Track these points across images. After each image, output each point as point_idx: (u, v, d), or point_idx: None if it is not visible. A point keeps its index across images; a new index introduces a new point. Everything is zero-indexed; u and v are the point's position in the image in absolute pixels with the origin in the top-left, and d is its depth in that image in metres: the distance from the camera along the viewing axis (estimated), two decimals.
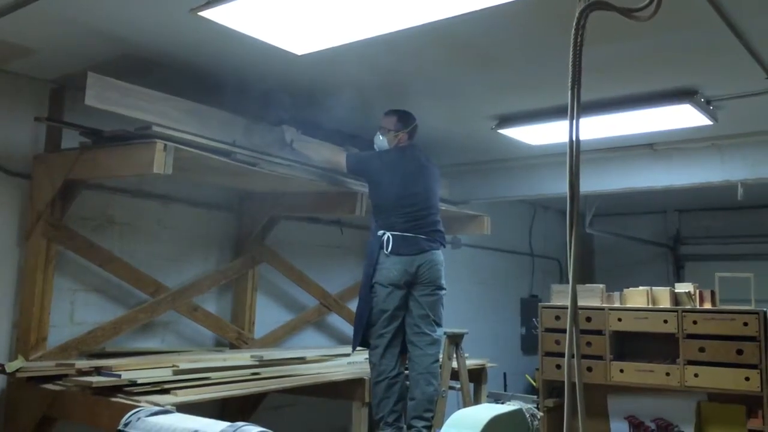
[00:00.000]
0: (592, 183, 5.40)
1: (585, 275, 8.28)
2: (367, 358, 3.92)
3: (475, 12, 2.68)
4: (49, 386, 3.21)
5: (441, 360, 3.87)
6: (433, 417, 3.67)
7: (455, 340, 4.00)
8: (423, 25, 2.82)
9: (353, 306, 5.48)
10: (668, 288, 4.96)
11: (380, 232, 3.82)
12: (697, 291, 4.88)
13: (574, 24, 1.61)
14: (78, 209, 3.82)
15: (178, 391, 3.06)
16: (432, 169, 4.02)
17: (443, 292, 3.84)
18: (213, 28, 2.93)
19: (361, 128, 4.79)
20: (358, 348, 4.02)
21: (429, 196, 3.90)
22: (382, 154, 4.00)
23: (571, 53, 1.61)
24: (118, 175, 3.53)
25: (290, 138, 3.96)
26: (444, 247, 3.93)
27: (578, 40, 1.62)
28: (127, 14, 2.93)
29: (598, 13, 1.64)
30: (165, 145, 3.04)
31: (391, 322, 3.75)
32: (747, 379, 4.43)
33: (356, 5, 2.68)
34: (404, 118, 4.03)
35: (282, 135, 3.96)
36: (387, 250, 3.75)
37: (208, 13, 2.78)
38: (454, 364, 4.04)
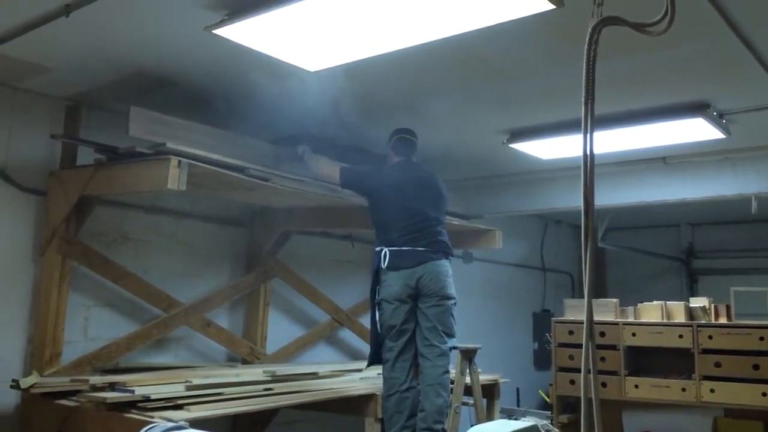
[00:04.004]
0: (605, 197, 5.38)
1: (597, 289, 8.23)
2: (379, 373, 3.91)
3: (487, 28, 2.69)
4: (64, 402, 3.22)
5: (454, 372, 3.85)
6: (443, 429, 3.64)
7: (468, 355, 3.97)
8: (436, 41, 2.84)
9: (365, 321, 5.50)
10: (683, 302, 4.93)
11: (378, 248, 3.83)
12: (712, 305, 4.85)
13: (587, 39, 1.61)
14: (92, 225, 3.85)
15: (191, 407, 3.06)
16: (433, 183, 3.97)
17: (451, 301, 3.77)
18: (226, 45, 2.96)
19: (372, 143, 4.80)
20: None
21: (426, 209, 3.83)
22: (377, 170, 4.01)
23: (584, 68, 1.61)
24: (133, 191, 3.56)
25: (302, 150, 4.08)
26: (450, 257, 3.86)
27: (591, 55, 1.62)
28: (142, 33, 2.97)
29: (610, 27, 1.64)
30: (179, 162, 3.07)
31: (400, 336, 3.73)
32: (764, 394, 4.38)
33: (368, 22, 2.70)
34: (392, 133, 4.08)
35: (295, 151, 4.11)
36: (384, 265, 3.76)
37: (222, 31, 2.81)
38: (468, 380, 4.01)
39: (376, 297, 3.82)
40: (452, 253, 3.90)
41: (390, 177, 3.91)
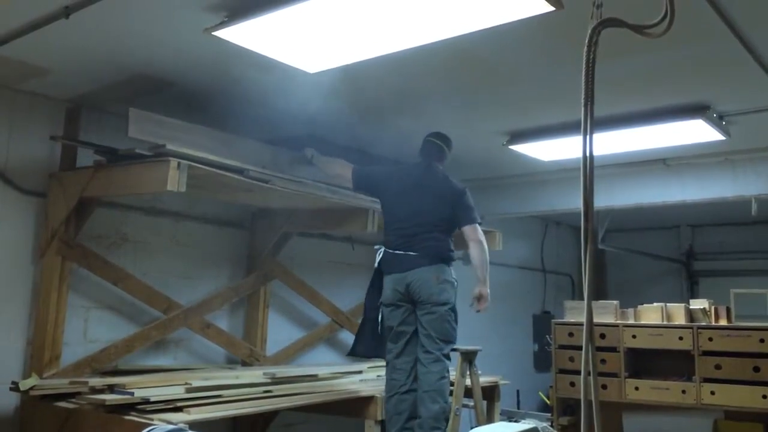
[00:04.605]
0: (605, 198, 5.39)
1: (597, 291, 8.22)
2: (379, 376, 3.91)
3: (487, 29, 2.69)
4: (63, 404, 3.22)
5: (453, 377, 3.83)
6: None
7: (468, 357, 3.96)
8: (435, 42, 2.84)
9: None
10: (683, 304, 4.94)
11: (376, 246, 3.85)
12: (712, 307, 4.84)
13: (587, 41, 1.61)
14: (92, 227, 3.85)
15: (190, 409, 3.05)
16: (439, 188, 3.83)
17: (445, 308, 3.65)
18: (226, 47, 2.96)
19: (371, 144, 4.81)
20: (376, 365, 4.02)
21: (424, 214, 3.74)
22: (385, 171, 4.00)
23: (583, 70, 1.61)
24: (133, 192, 3.55)
25: (311, 154, 4.12)
26: (445, 262, 3.73)
27: (591, 56, 1.62)
28: (142, 35, 2.97)
29: (610, 29, 1.64)
30: (179, 163, 3.07)
31: (398, 338, 3.72)
32: (764, 396, 4.38)
33: (368, 24, 2.70)
34: None
35: (303, 155, 4.14)
36: (376, 264, 3.80)
37: (222, 33, 2.81)
38: (468, 382, 4.00)
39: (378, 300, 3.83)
40: (451, 258, 3.78)
41: (394, 178, 3.89)
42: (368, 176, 3.97)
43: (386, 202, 3.87)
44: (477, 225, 3.81)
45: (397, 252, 3.72)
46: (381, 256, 3.80)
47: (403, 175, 3.91)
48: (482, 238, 3.80)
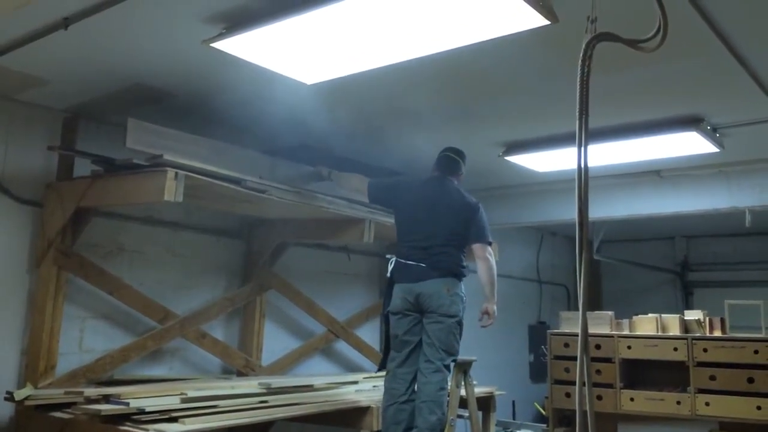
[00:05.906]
0: (600, 209, 5.41)
1: (593, 302, 8.23)
2: (375, 386, 3.90)
3: (483, 42, 2.71)
4: (58, 414, 3.20)
5: (449, 388, 3.83)
6: None
7: (463, 367, 3.97)
8: (431, 54, 2.86)
9: (361, 333, 5.51)
10: (678, 315, 4.95)
11: (388, 256, 3.86)
12: (707, 318, 4.86)
13: (581, 54, 1.64)
14: (89, 237, 3.85)
15: (186, 420, 3.05)
16: (452, 203, 3.83)
17: (452, 320, 3.68)
18: (224, 58, 2.98)
19: (366, 155, 4.82)
20: (372, 375, 4.01)
21: (436, 227, 3.76)
22: (400, 183, 4.05)
23: (578, 83, 1.63)
24: (130, 202, 3.56)
25: (327, 172, 4.16)
26: (456, 277, 3.75)
27: (585, 70, 1.65)
28: (140, 46, 2.99)
29: (604, 42, 1.67)
30: (176, 173, 3.08)
31: (402, 347, 3.73)
32: (759, 408, 4.39)
33: (364, 36, 2.72)
34: None
35: (318, 172, 4.19)
36: (388, 274, 3.82)
37: (220, 45, 2.82)
38: (463, 392, 4.01)
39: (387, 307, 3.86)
40: (462, 273, 3.79)
41: (408, 191, 3.92)
42: (384, 189, 4.00)
43: (400, 214, 3.90)
44: (487, 245, 3.82)
45: (409, 262, 3.74)
46: (393, 265, 3.81)
47: (417, 188, 3.93)
48: (490, 256, 3.82)
